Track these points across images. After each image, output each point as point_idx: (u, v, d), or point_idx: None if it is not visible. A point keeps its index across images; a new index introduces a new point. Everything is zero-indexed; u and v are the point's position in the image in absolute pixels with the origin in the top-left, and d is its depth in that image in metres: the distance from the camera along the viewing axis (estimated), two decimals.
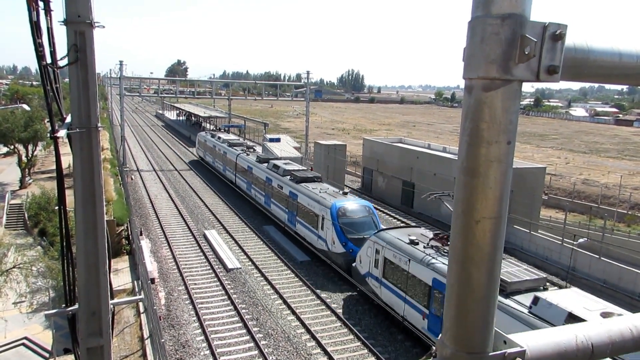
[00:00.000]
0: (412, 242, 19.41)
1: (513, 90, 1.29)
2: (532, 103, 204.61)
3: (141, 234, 30.03)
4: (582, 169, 62.62)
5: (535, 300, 14.06)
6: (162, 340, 17.98)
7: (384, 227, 24.38)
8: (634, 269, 24.01)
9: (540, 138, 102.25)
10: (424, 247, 18.97)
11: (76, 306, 5.29)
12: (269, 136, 54.45)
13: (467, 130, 1.32)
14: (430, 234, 20.31)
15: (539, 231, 30.82)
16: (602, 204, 43.44)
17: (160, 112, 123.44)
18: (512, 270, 15.97)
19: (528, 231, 29.38)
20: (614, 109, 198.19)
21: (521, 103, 1.48)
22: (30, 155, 49.75)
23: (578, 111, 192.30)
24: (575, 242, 28.36)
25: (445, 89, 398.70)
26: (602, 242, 26.74)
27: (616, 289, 24.05)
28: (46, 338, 23.24)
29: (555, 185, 50.91)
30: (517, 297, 14.63)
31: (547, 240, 28.67)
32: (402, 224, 33.14)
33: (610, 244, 27.99)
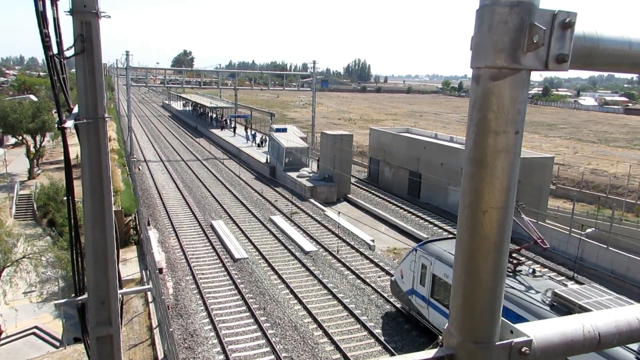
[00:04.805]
0: None
1: (521, 79, 1.28)
2: (540, 92, 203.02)
3: (149, 224, 30.22)
4: (591, 159, 62.17)
5: None
6: (171, 329, 18.16)
7: (431, 239, 21.57)
8: None
9: (548, 127, 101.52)
10: None
11: (85, 296, 5.33)
12: (275, 126, 54.41)
13: (474, 120, 1.31)
14: None
15: (547, 221, 30.71)
16: (610, 193, 43.17)
17: (167, 102, 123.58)
18: None
19: (536, 221, 29.25)
20: (623, 98, 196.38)
21: (529, 92, 1.46)
22: (38, 146, 50.07)
23: (587, 100, 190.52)
24: (583, 232, 28.23)
25: (452, 78, 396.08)
26: (610, 232, 26.61)
27: (624, 279, 23.97)
28: (56, 327, 23.55)
29: (563, 175, 50.61)
30: None
31: (555, 231, 28.55)
32: (450, 235, 28.43)
33: (619, 234, 27.85)
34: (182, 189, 40.72)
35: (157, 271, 23.32)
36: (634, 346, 11.37)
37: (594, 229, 29.66)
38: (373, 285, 23.22)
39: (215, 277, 24.13)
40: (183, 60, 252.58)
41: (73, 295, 5.52)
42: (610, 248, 25.13)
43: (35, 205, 38.28)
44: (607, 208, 37.12)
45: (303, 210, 35.18)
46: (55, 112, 19.58)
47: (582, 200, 40.50)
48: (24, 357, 20.59)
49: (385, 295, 22.18)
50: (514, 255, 17.11)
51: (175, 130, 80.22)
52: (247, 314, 20.58)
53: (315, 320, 19.93)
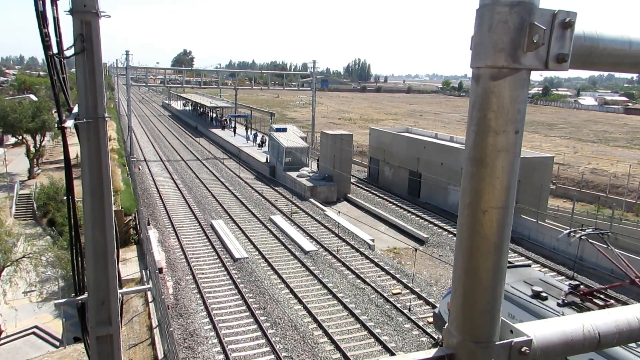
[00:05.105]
0: (539, 296, 13.15)
1: (521, 79, 1.28)
2: (540, 92, 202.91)
3: (149, 224, 30.22)
4: (591, 159, 62.16)
5: None
6: (171, 329, 18.16)
7: None
8: None
9: (548, 127, 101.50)
10: (559, 305, 12.75)
11: (85, 295, 5.33)
12: (275, 126, 54.40)
13: (474, 119, 1.31)
14: (562, 284, 14.64)
15: (547, 221, 30.71)
16: (610, 193, 43.18)
17: (167, 102, 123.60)
18: None
19: (535, 221, 29.29)
20: (623, 98, 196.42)
21: (529, 92, 1.47)
22: (38, 146, 50.06)
23: (587, 100, 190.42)
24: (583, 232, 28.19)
25: (452, 77, 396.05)
26: (610, 231, 26.59)
27: (624, 279, 23.94)
28: (56, 327, 23.55)
29: (563, 175, 50.62)
30: None
31: (555, 230, 28.55)
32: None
33: (619, 233, 27.85)
34: (182, 188, 40.72)
35: (157, 271, 23.33)
36: None
37: (594, 228, 29.63)
38: (373, 285, 23.23)
39: (215, 277, 24.13)
40: (183, 60, 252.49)
41: (73, 294, 5.52)
42: (610, 248, 25.10)
43: (35, 205, 38.27)
44: (607, 208, 37.12)
45: (303, 210, 35.18)
46: (55, 112, 19.60)
47: (582, 200, 40.51)
48: (23, 356, 20.59)
49: (385, 295, 22.19)
50: (600, 295, 13.62)
51: (175, 130, 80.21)
52: (247, 313, 20.58)
53: (315, 320, 19.93)
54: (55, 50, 4.76)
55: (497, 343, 1.44)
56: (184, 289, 22.68)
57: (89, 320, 5.35)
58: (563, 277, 24.77)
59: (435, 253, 27.63)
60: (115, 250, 5.28)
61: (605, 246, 15.04)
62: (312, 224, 32.37)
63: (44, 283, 26.06)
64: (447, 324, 1.50)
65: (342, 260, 25.93)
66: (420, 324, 19.76)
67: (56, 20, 4.72)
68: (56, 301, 6.32)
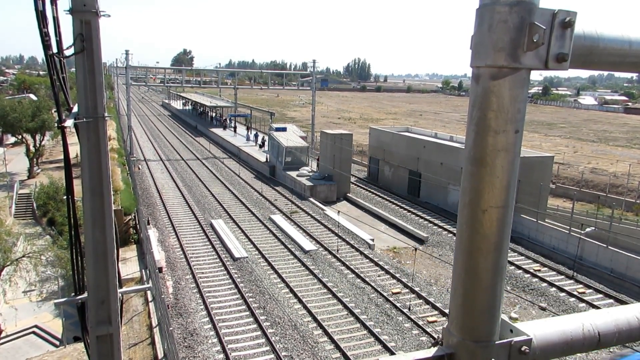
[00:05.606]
0: None
1: (521, 78, 1.28)
2: (540, 91, 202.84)
3: (148, 223, 30.21)
4: (591, 158, 62.15)
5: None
6: (170, 328, 18.16)
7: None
8: None
9: (548, 127, 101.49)
10: None
11: (85, 295, 5.34)
12: (275, 125, 54.36)
13: (474, 119, 1.32)
14: None
15: (547, 220, 30.72)
16: (610, 193, 43.21)
17: (167, 101, 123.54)
18: None
19: (535, 220, 29.30)
20: (623, 97, 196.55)
21: (529, 91, 1.47)
22: (38, 145, 50.02)
23: (587, 99, 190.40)
24: (582, 231, 28.24)
25: (452, 77, 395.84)
26: (610, 231, 26.62)
27: (623, 278, 23.99)
28: (56, 326, 23.55)
29: (563, 174, 50.63)
30: None
31: (555, 230, 28.57)
32: None
33: (618, 232, 27.88)
34: (181, 188, 40.70)
35: (157, 270, 23.32)
36: None
37: (593, 228, 29.68)
38: (373, 284, 23.23)
39: (215, 276, 24.12)
40: (183, 60, 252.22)
41: (73, 294, 5.53)
42: (609, 247, 25.15)
43: (35, 204, 38.25)
44: (607, 207, 37.13)
45: (303, 210, 35.17)
46: (55, 111, 19.61)
47: (581, 200, 40.51)
48: (23, 356, 20.58)
49: (384, 294, 22.19)
50: None
51: (175, 130, 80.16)
52: (247, 313, 20.58)
53: (315, 320, 19.93)
54: (55, 49, 4.77)
55: (497, 342, 1.44)
56: (183, 289, 22.68)
57: (88, 319, 5.36)
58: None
59: (435, 252, 27.64)
60: (115, 249, 5.28)
61: None
62: (312, 223, 32.37)
63: (43, 282, 26.05)
64: (446, 324, 1.50)
65: (342, 259, 25.93)
66: (420, 323, 19.78)
67: (56, 20, 4.72)
68: (56, 300, 6.33)
